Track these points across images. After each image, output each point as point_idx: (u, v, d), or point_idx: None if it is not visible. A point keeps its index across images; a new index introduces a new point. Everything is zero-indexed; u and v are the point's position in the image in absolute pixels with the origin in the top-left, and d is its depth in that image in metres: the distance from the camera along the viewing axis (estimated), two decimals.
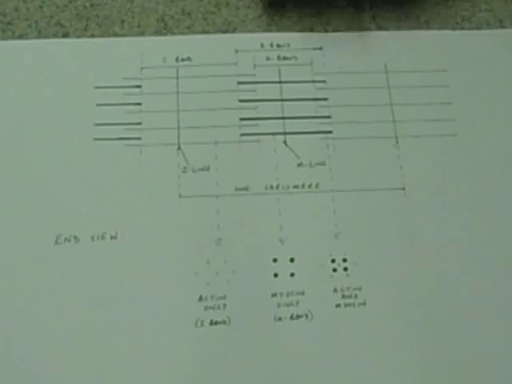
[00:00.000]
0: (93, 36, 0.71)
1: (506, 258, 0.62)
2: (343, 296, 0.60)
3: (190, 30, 0.71)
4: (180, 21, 0.72)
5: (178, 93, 0.68)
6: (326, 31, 0.72)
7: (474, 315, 0.60)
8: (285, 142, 0.66)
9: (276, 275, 0.61)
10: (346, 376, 0.58)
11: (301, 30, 0.72)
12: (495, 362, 0.59)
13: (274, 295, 0.60)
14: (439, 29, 0.72)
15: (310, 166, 0.65)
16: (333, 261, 0.62)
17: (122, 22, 0.72)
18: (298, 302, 0.60)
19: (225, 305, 0.60)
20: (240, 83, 0.69)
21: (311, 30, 0.72)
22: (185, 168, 0.65)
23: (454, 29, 0.72)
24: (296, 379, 0.58)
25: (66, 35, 0.70)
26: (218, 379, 0.57)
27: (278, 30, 0.72)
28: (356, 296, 0.60)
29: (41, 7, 0.72)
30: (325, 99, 0.68)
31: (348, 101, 0.68)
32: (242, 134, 0.66)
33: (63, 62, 0.69)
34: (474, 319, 0.60)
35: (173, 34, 0.71)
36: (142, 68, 0.69)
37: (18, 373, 0.57)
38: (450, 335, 0.59)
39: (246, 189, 0.64)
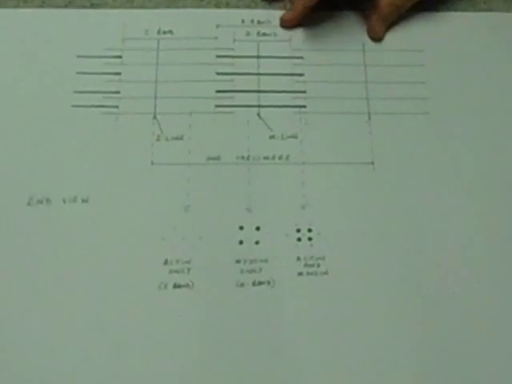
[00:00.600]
0: None
1: (470, 227, 0.63)
2: (306, 265, 0.61)
3: None
4: None
5: (157, 64, 0.69)
6: None
7: (445, 286, 0.61)
8: (258, 115, 0.67)
9: (241, 242, 0.62)
10: (307, 341, 0.59)
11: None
12: (472, 325, 0.60)
13: (237, 261, 0.61)
14: None
15: (282, 138, 0.66)
16: (298, 230, 0.63)
17: None
18: (261, 269, 0.61)
19: (189, 269, 0.61)
20: (218, 57, 0.70)
21: None
22: (158, 136, 0.66)
23: None
24: (256, 344, 0.59)
25: None
26: (180, 340, 0.58)
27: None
28: (319, 265, 0.61)
29: (41, 7, 0.72)
30: (301, 74, 0.69)
31: (324, 77, 0.69)
32: (217, 106, 0.68)
33: (47, 31, 0.70)
34: (449, 284, 0.61)
35: None
36: (123, 39, 0.70)
37: None
38: (416, 303, 0.60)
39: (217, 158, 0.65)
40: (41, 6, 0.72)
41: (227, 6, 0.72)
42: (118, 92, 0.68)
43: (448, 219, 0.63)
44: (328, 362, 0.59)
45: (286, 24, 0.71)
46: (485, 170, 0.65)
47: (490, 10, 0.73)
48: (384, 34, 0.71)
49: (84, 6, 0.72)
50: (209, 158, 0.65)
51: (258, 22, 0.72)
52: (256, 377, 0.58)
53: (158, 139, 0.66)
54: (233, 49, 0.70)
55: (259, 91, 0.68)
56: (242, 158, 0.65)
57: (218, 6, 0.72)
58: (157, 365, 0.58)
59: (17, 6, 0.72)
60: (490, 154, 0.66)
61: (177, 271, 0.61)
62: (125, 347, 0.58)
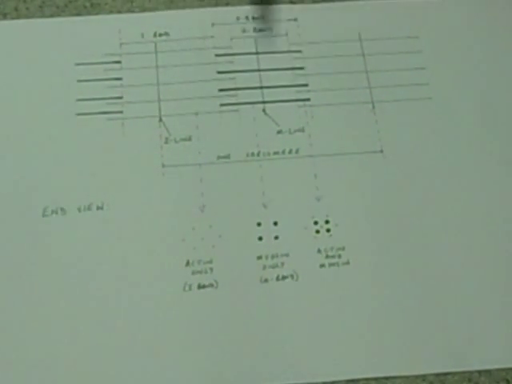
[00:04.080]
0: None
1: (480, 212, 0.64)
2: (327, 256, 0.62)
3: None
4: None
5: (157, 67, 0.69)
6: (301, 2, 0.73)
7: (456, 270, 0.62)
8: (264, 111, 0.67)
9: (260, 238, 0.62)
10: (333, 333, 0.59)
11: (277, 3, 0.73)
12: (481, 315, 0.60)
13: (259, 258, 0.61)
14: None
15: (290, 132, 0.67)
16: (315, 223, 0.63)
17: None
18: (283, 264, 0.61)
19: (211, 269, 0.61)
20: (217, 55, 0.70)
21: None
22: (167, 139, 0.66)
23: None
24: (284, 338, 0.59)
25: None
26: (206, 340, 0.59)
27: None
28: (340, 256, 0.62)
29: (41, 7, 0.72)
30: (301, 68, 0.70)
31: (324, 69, 0.70)
32: (222, 105, 0.68)
33: (44, 41, 0.70)
34: (457, 273, 0.61)
35: None
36: (121, 44, 0.70)
37: (4, 340, 0.58)
38: (432, 290, 0.61)
39: (227, 157, 0.65)
40: (41, 6, 0.71)
41: (227, 4, 0.73)
42: (120, 97, 0.68)
43: (462, 199, 0.64)
44: (356, 349, 0.59)
45: None
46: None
47: None
48: None
49: (84, 6, 0.72)
50: (219, 157, 0.65)
51: (253, 18, 0.72)
52: (285, 368, 0.58)
53: (166, 142, 0.66)
54: (231, 47, 0.70)
55: (262, 87, 0.69)
56: (252, 154, 0.66)
57: (217, 4, 0.72)
58: (185, 365, 0.58)
59: (16, 7, 0.71)
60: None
61: (200, 272, 0.61)
62: (154, 349, 0.58)
